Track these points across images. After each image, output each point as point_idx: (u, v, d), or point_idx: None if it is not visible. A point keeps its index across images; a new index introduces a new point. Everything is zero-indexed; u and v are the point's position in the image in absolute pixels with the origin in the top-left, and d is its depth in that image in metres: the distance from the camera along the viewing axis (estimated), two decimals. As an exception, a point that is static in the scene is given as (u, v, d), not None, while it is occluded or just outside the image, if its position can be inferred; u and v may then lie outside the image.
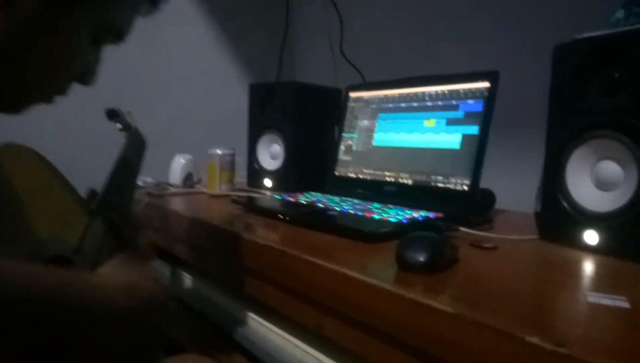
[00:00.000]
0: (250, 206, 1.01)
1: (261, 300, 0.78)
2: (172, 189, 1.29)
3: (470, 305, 0.47)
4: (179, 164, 1.35)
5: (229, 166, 1.21)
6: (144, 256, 0.59)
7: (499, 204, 1.01)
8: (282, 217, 0.89)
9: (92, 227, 0.53)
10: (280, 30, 1.76)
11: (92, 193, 0.60)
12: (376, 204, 0.94)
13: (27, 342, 0.34)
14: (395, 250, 0.59)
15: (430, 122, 0.97)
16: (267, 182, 1.27)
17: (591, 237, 0.68)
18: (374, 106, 1.11)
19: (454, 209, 0.87)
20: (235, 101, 1.56)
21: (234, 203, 1.03)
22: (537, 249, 0.73)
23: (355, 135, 1.14)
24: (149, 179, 1.35)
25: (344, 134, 1.17)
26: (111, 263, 0.46)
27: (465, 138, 0.90)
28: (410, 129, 1.01)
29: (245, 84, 1.34)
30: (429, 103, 0.99)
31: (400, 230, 0.71)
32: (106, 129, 0.95)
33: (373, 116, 1.11)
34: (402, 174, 1.01)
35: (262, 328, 0.81)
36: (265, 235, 0.78)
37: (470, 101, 0.91)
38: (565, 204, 0.72)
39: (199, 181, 1.37)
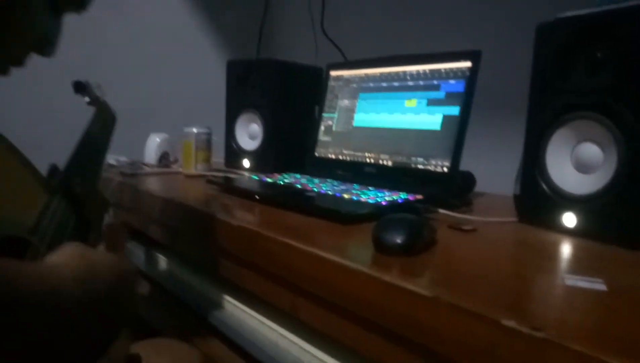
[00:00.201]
0: (227, 186, 0.99)
1: (236, 282, 0.76)
2: (147, 169, 1.26)
3: (447, 288, 0.46)
4: (154, 143, 1.32)
5: (205, 145, 1.18)
6: (111, 238, 0.56)
7: (479, 187, 1.00)
8: (258, 198, 0.87)
9: (52, 206, 0.50)
10: (260, 6, 1.71)
11: (54, 170, 0.57)
12: (355, 186, 0.92)
13: None
14: (372, 231, 0.57)
15: (411, 103, 0.96)
16: (246, 163, 1.24)
17: (570, 220, 0.68)
18: (354, 85, 1.09)
19: (434, 191, 0.86)
20: (213, 78, 1.52)
21: (210, 183, 1.00)
22: (515, 231, 0.73)
23: (335, 115, 1.12)
24: (123, 158, 1.32)
25: (324, 114, 1.15)
26: (65, 249, 0.42)
27: (446, 119, 0.89)
28: (391, 110, 0.99)
29: (223, 61, 1.30)
30: (410, 83, 0.97)
31: (379, 212, 0.70)
32: (74, 104, 0.92)
33: (354, 96, 1.08)
34: (382, 156, 0.99)
35: (237, 311, 0.80)
36: (240, 216, 0.76)
37: (452, 81, 0.90)
38: (544, 186, 0.72)
39: (175, 160, 1.34)
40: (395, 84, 1.00)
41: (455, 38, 1.19)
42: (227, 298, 0.83)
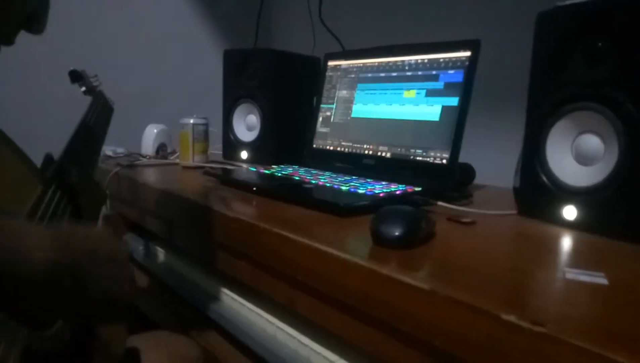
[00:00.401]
0: (224, 178, 0.98)
1: (233, 275, 0.76)
2: (144, 160, 1.25)
3: (446, 281, 0.45)
4: (151, 134, 1.31)
5: (202, 136, 1.17)
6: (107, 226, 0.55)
7: (479, 179, 1.00)
8: (256, 190, 0.86)
9: (46, 197, 0.50)
10: (258, -5, 1.69)
11: (49, 160, 0.56)
12: (353, 178, 0.92)
13: None
14: (370, 224, 0.57)
15: (409, 93, 0.95)
16: (243, 154, 1.23)
17: (570, 212, 0.67)
18: (352, 75, 1.08)
19: (433, 183, 0.85)
20: (210, 68, 1.51)
21: (207, 174, 1.00)
22: (515, 224, 0.72)
23: (333, 106, 1.11)
24: (120, 150, 1.31)
25: (322, 105, 1.14)
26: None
27: (445, 110, 0.88)
28: (390, 100, 0.98)
29: (220, 51, 1.29)
30: (409, 73, 0.96)
31: (377, 204, 0.69)
32: (70, 94, 0.91)
33: (352, 87, 1.07)
34: (380, 147, 0.98)
35: (235, 304, 0.79)
36: (237, 208, 0.75)
37: (451, 71, 0.89)
38: (544, 178, 0.71)
39: (173, 152, 1.33)
40: (394, 74, 0.99)
41: (454, 27, 1.18)
42: (225, 291, 0.82)
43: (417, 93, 0.93)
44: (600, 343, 0.33)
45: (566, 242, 0.63)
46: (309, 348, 0.64)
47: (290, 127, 1.20)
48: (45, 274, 0.36)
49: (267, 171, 1.00)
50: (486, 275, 0.49)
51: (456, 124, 0.85)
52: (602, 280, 0.46)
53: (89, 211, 0.57)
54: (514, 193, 0.78)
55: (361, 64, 1.07)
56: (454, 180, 0.87)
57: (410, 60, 0.96)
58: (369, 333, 0.51)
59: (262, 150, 1.20)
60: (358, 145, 1.03)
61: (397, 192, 0.80)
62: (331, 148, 1.09)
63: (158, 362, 0.67)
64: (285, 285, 0.63)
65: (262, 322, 0.73)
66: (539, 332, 0.35)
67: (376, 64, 1.03)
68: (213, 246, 0.78)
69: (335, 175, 0.95)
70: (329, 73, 1.14)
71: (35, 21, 0.50)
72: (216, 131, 1.27)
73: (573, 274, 0.47)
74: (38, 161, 0.56)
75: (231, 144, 1.26)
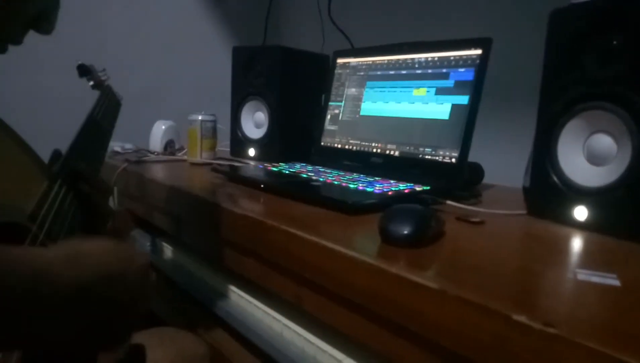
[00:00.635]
0: (232, 175, 0.98)
1: (241, 272, 0.76)
2: (152, 156, 1.25)
3: (455, 280, 0.45)
4: (159, 131, 1.31)
5: (211, 132, 1.17)
6: (116, 226, 0.55)
7: (488, 178, 0.99)
8: (263, 187, 0.86)
9: (52, 192, 0.49)
10: (267, -8, 1.69)
11: (56, 155, 0.56)
12: (362, 176, 0.91)
13: None
14: (378, 222, 0.56)
15: (419, 92, 0.94)
16: (251, 151, 1.23)
17: (581, 213, 0.67)
18: (361, 73, 1.07)
19: (441, 181, 0.84)
20: (219, 65, 1.51)
21: (215, 171, 1.00)
22: (525, 224, 0.71)
23: (342, 104, 1.10)
24: (129, 145, 1.31)
25: (330, 103, 1.13)
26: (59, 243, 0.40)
27: (455, 108, 0.87)
28: (399, 99, 0.98)
29: (229, 48, 1.29)
30: (419, 71, 0.95)
31: (385, 202, 0.68)
32: (77, 90, 0.91)
33: (361, 84, 1.07)
34: (389, 146, 0.98)
35: (242, 301, 0.79)
36: (245, 205, 0.75)
37: (461, 69, 0.88)
38: (555, 178, 0.70)
39: (181, 148, 1.33)
40: (403, 72, 0.98)
41: (464, 25, 1.17)
42: (232, 288, 0.82)
43: (427, 91, 0.93)
44: (612, 345, 0.33)
45: (577, 243, 0.62)
46: (315, 347, 0.64)
47: (299, 125, 1.20)
48: (67, 298, 0.36)
49: (274, 169, 1.00)
50: (496, 275, 0.49)
51: (466, 123, 0.85)
52: (614, 282, 0.45)
53: (96, 206, 0.57)
54: (523, 192, 0.77)
55: (370, 62, 1.06)
56: (463, 179, 0.87)
57: (420, 58, 0.95)
58: (377, 332, 0.51)
59: (270, 147, 1.19)
60: (366, 143, 1.02)
61: (406, 191, 0.79)
62: (339, 146, 1.09)
63: (165, 359, 0.68)
64: (292, 283, 0.63)
65: (269, 319, 0.73)
66: (551, 333, 0.35)
67: (385, 61, 1.02)
68: (220, 243, 0.78)
69: (343, 173, 0.95)
70: (337, 71, 1.13)
71: (44, 21, 0.50)
72: (224, 127, 1.27)
73: (585, 275, 0.47)
74: (45, 156, 0.56)
75: (239, 141, 1.26)
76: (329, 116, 1.13)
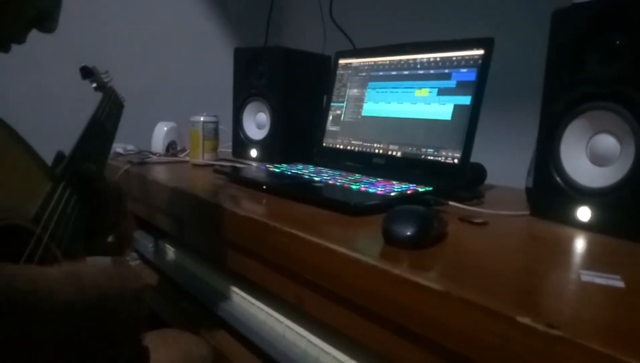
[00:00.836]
0: (234, 176, 0.98)
1: (243, 273, 0.76)
2: (154, 158, 1.25)
3: (459, 282, 0.44)
4: (161, 132, 1.31)
5: (213, 134, 1.17)
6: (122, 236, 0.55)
7: (490, 179, 0.99)
8: (265, 188, 0.86)
9: (56, 194, 0.49)
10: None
11: (59, 157, 0.56)
12: (364, 177, 0.91)
13: None
14: (381, 223, 0.56)
15: (421, 92, 0.94)
16: (253, 152, 1.23)
17: (584, 214, 0.66)
18: (363, 73, 1.07)
19: (444, 182, 0.84)
20: (221, 66, 1.51)
21: (217, 172, 1.00)
22: (528, 225, 0.71)
23: (343, 104, 1.10)
24: (131, 147, 1.31)
25: (332, 104, 1.13)
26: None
27: (457, 109, 0.87)
28: (401, 99, 0.97)
29: (231, 49, 1.29)
30: (421, 71, 0.95)
31: (388, 203, 0.68)
32: (80, 91, 0.91)
33: (363, 85, 1.07)
34: (391, 146, 0.97)
35: (244, 302, 0.79)
36: (247, 207, 0.75)
37: (463, 70, 0.88)
38: (558, 179, 0.70)
39: (183, 149, 1.33)
40: (405, 72, 0.98)
41: (467, 25, 1.17)
42: (235, 289, 0.82)
43: (429, 92, 0.93)
44: (617, 346, 0.32)
45: (580, 244, 0.62)
46: (318, 348, 0.63)
47: (300, 126, 1.20)
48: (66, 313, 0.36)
49: (276, 170, 1.00)
50: (499, 276, 0.48)
51: (468, 123, 0.85)
52: (618, 283, 0.45)
53: (99, 207, 0.57)
54: (526, 193, 0.77)
55: (372, 63, 1.06)
56: (466, 180, 0.86)
57: (423, 58, 0.95)
58: (379, 333, 0.51)
59: (272, 148, 1.19)
60: (368, 144, 1.02)
61: (408, 192, 0.79)
62: (341, 147, 1.08)
63: (168, 360, 0.67)
64: (294, 284, 0.63)
65: (271, 320, 0.73)
66: (555, 335, 0.35)
67: (387, 62, 1.02)
68: (222, 244, 0.78)
69: (345, 174, 0.95)
70: (339, 71, 1.13)
71: (47, 19, 0.50)
72: (226, 129, 1.27)
73: (588, 276, 0.46)
74: (47, 157, 0.56)
75: (241, 142, 1.26)
76: (330, 117, 1.13)
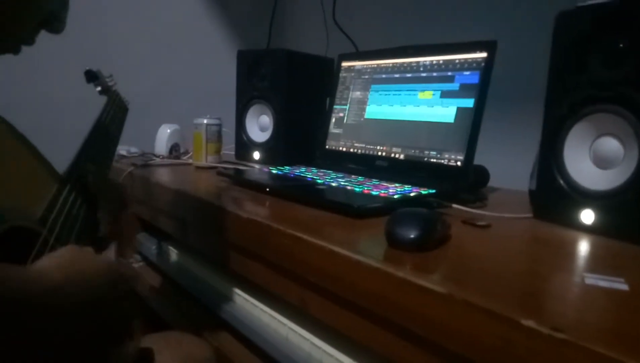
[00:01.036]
0: (237, 178, 0.98)
1: (246, 275, 0.76)
2: (157, 160, 1.26)
3: (462, 284, 0.44)
4: (164, 134, 1.32)
5: (216, 136, 1.17)
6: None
7: (493, 182, 0.99)
8: (268, 190, 0.86)
9: (62, 196, 0.50)
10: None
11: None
12: (367, 179, 0.91)
13: None
14: (385, 226, 0.56)
15: (424, 95, 0.94)
16: (256, 155, 1.23)
17: (588, 216, 0.66)
18: (366, 76, 1.08)
19: (447, 185, 0.84)
20: (224, 69, 1.51)
21: (220, 175, 1.00)
22: (531, 228, 0.71)
23: (346, 107, 1.10)
24: (134, 149, 1.32)
25: (335, 106, 1.13)
26: (58, 252, 0.40)
27: (460, 111, 0.87)
28: (404, 102, 0.98)
29: (234, 52, 1.29)
30: (424, 74, 0.95)
31: (391, 206, 0.68)
32: (85, 95, 0.91)
33: (365, 88, 1.07)
34: (394, 149, 0.98)
35: (248, 305, 0.79)
36: (250, 209, 0.75)
37: (466, 72, 0.88)
38: (561, 182, 0.70)
39: (186, 152, 1.33)
40: (408, 75, 0.98)
41: (470, 28, 1.17)
42: (238, 291, 0.82)
43: (432, 94, 0.93)
44: (620, 349, 0.32)
45: (584, 246, 0.62)
46: (321, 351, 0.63)
47: (303, 128, 1.20)
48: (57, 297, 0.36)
49: (279, 172, 1.00)
50: (503, 279, 0.48)
51: (471, 126, 0.85)
52: (622, 286, 0.45)
53: (105, 210, 0.58)
54: (529, 196, 0.77)
55: (375, 65, 1.06)
56: (469, 182, 0.86)
57: (425, 61, 0.96)
58: (383, 336, 0.51)
59: (275, 151, 1.20)
60: (371, 146, 1.02)
61: (411, 194, 0.79)
62: (344, 149, 1.09)
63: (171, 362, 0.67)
64: (297, 286, 0.63)
65: (274, 323, 0.73)
66: (559, 338, 0.35)
67: (390, 65, 1.03)
68: (226, 246, 0.78)
69: (348, 176, 0.95)
70: (342, 74, 1.14)
71: (55, 20, 0.50)
72: (229, 131, 1.28)
73: (592, 279, 0.46)
74: (52, 160, 0.56)
75: (244, 145, 1.27)
76: (333, 120, 1.13)
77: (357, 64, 1.11)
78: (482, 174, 0.96)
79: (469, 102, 0.86)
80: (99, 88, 0.85)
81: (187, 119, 1.21)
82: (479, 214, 0.74)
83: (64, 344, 0.37)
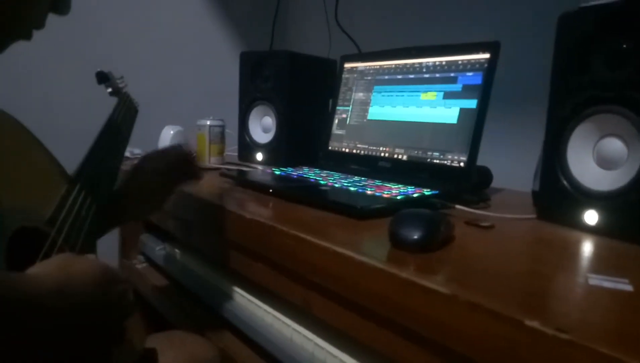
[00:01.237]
0: (240, 179, 0.98)
1: (250, 276, 0.76)
2: (161, 162, 1.26)
3: (466, 285, 0.44)
4: (168, 136, 1.32)
5: (219, 137, 1.17)
6: None
7: (496, 182, 0.98)
8: (272, 191, 0.86)
9: (72, 197, 0.50)
10: (274, -2, 1.70)
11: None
12: (370, 180, 0.91)
13: None
14: (388, 226, 0.56)
15: (427, 96, 0.94)
16: (259, 156, 1.24)
17: (591, 217, 0.66)
18: (369, 77, 1.08)
19: (450, 186, 0.84)
20: (226, 70, 1.52)
21: (223, 176, 1.00)
22: (535, 229, 0.71)
23: (349, 108, 1.10)
24: (137, 151, 1.32)
25: (337, 107, 1.13)
26: (51, 260, 0.40)
27: (463, 112, 0.87)
28: (407, 103, 0.98)
29: (237, 53, 1.30)
30: (426, 75, 0.95)
31: (394, 207, 0.68)
32: (93, 96, 0.92)
33: (368, 89, 1.07)
34: (397, 150, 0.98)
35: (251, 305, 0.79)
36: (253, 210, 0.76)
37: (469, 73, 0.88)
38: (565, 182, 0.70)
39: (189, 153, 1.33)
40: (411, 76, 0.98)
41: (472, 29, 1.17)
42: (242, 292, 0.82)
43: (435, 95, 0.93)
44: (626, 350, 0.32)
45: (587, 247, 0.62)
46: (325, 351, 0.64)
47: (306, 130, 1.20)
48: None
49: (282, 173, 1.00)
50: (506, 280, 0.48)
51: (474, 126, 0.85)
52: (626, 286, 0.45)
53: (116, 213, 0.58)
54: (533, 196, 0.77)
55: (378, 66, 1.06)
56: (472, 183, 0.86)
57: (428, 62, 0.96)
58: (386, 337, 0.51)
59: (278, 152, 1.20)
60: (374, 147, 1.02)
61: (414, 195, 0.79)
62: (347, 150, 1.09)
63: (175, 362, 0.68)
64: (301, 287, 0.63)
65: (278, 323, 0.73)
66: (564, 339, 0.35)
67: (393, 66, 1.03)
68: (229, 247, 0.79)
69: (351, 177, 0.95)
70: (345, 75, 1.14)
71: (61, 3, 0.51)
72: (232, 132, 1.28)
73: (596, 280, 0.46)
74: (61, 160, 0.56)
75: (247, 146, 1.27)
76: (336, 121, 1.13)
77: (360, 65, 1.11)
78: (485, 175, 0.96)
79: (472, 103, 0.86)
80: (109, 90, 0.85)
81: (191, 121, 1.21)
82: (483, 215, 0.74)
83: (63, 344, 0.37)
